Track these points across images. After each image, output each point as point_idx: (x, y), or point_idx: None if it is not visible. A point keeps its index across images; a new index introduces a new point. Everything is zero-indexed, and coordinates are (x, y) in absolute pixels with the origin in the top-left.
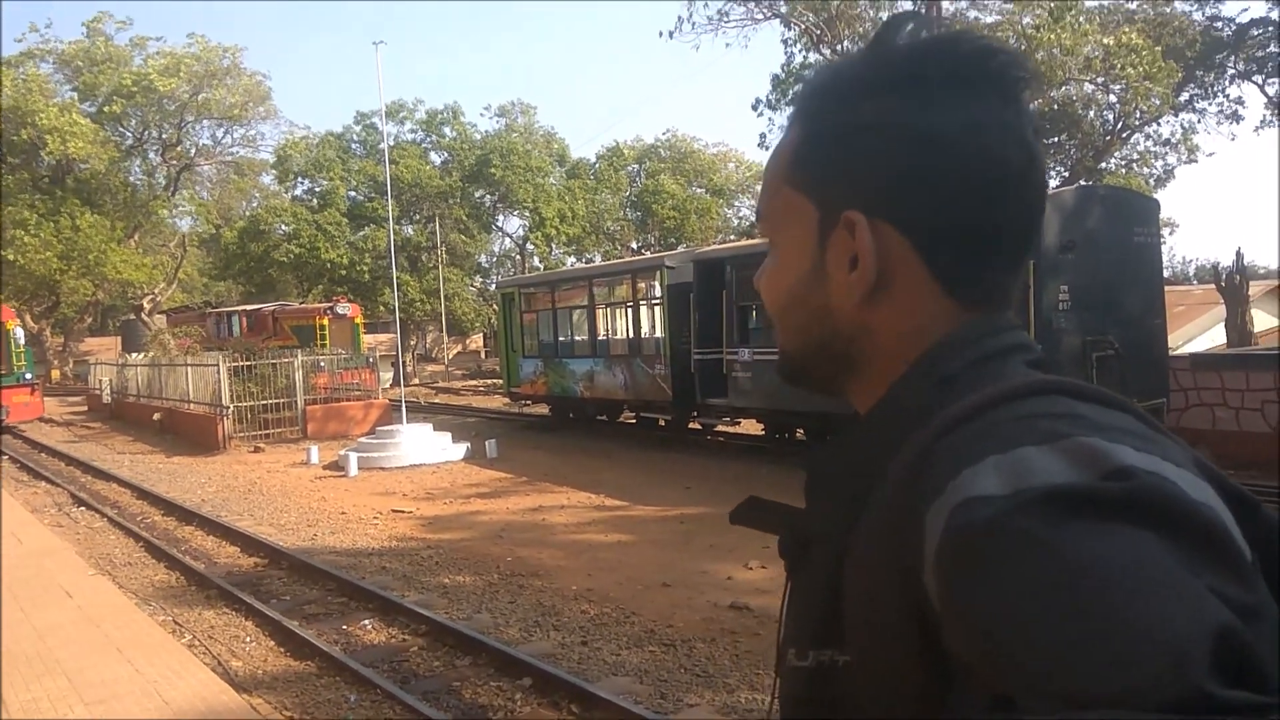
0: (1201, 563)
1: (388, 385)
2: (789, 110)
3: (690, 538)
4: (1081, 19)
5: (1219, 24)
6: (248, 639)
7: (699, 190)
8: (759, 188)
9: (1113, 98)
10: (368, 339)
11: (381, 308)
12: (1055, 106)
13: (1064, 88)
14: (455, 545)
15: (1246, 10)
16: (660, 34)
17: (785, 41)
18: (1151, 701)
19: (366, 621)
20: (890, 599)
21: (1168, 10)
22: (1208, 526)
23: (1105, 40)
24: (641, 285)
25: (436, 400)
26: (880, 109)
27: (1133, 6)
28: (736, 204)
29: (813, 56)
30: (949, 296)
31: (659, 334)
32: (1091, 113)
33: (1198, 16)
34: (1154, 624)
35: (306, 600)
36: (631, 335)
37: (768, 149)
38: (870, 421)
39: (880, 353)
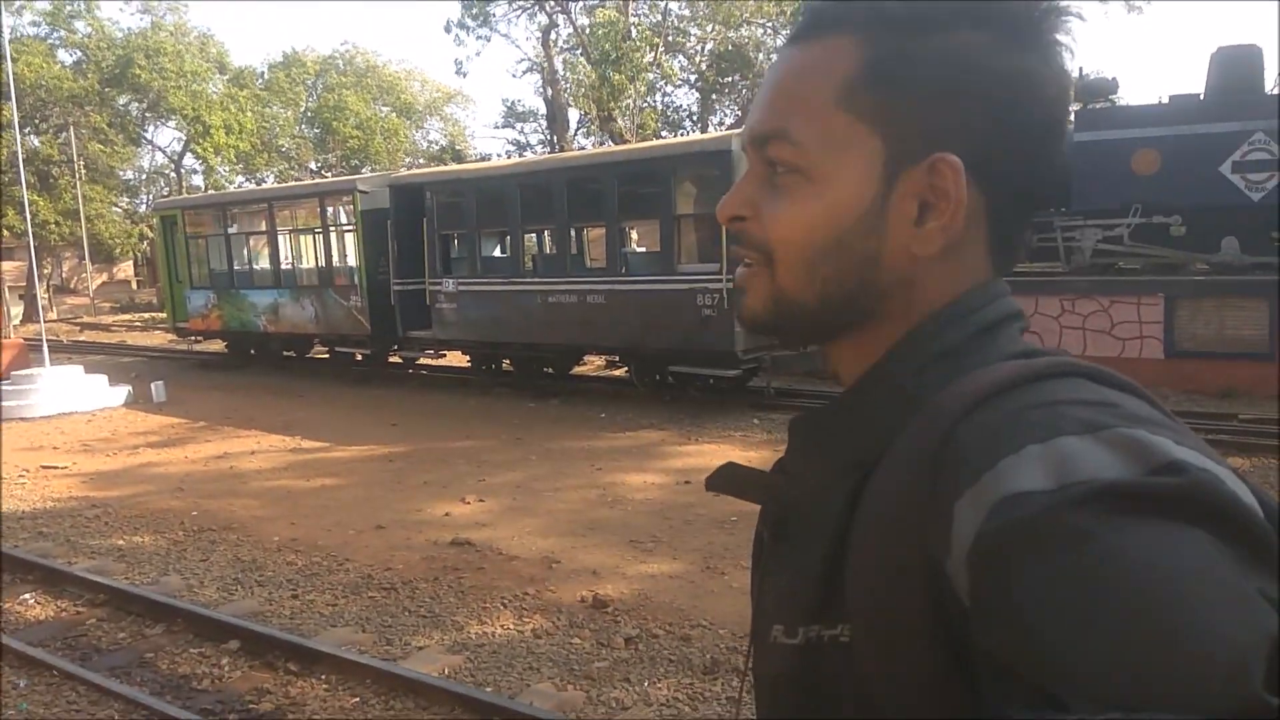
0: (1251, 564)
1: (18, 322)
2: (487, 22)
3: (401, 476)
4: None
5: None
6: None
7: (385, 110)
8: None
9: (781, 41)
10: None
11: (5, 231)
12: (731, 47)
13: (740, 29)
14: (126, 502)
15: None
16: None
17: None
18: (1208, 707)
19: (27, 595)
20: (906, 583)
21: None
22: (1256, 527)
23: None
24: (331, 209)
25: (82, 338)
26: (975, 41)
27: None
28: (426, 126)
29: None
30: (989, 257)
31: (353, 263)
32: (761, 55)
33: None
34: (1212, 628)
35: None
36: (322, 264)
37: (465, 75)
38: (865, 389)
39: (912, 308)
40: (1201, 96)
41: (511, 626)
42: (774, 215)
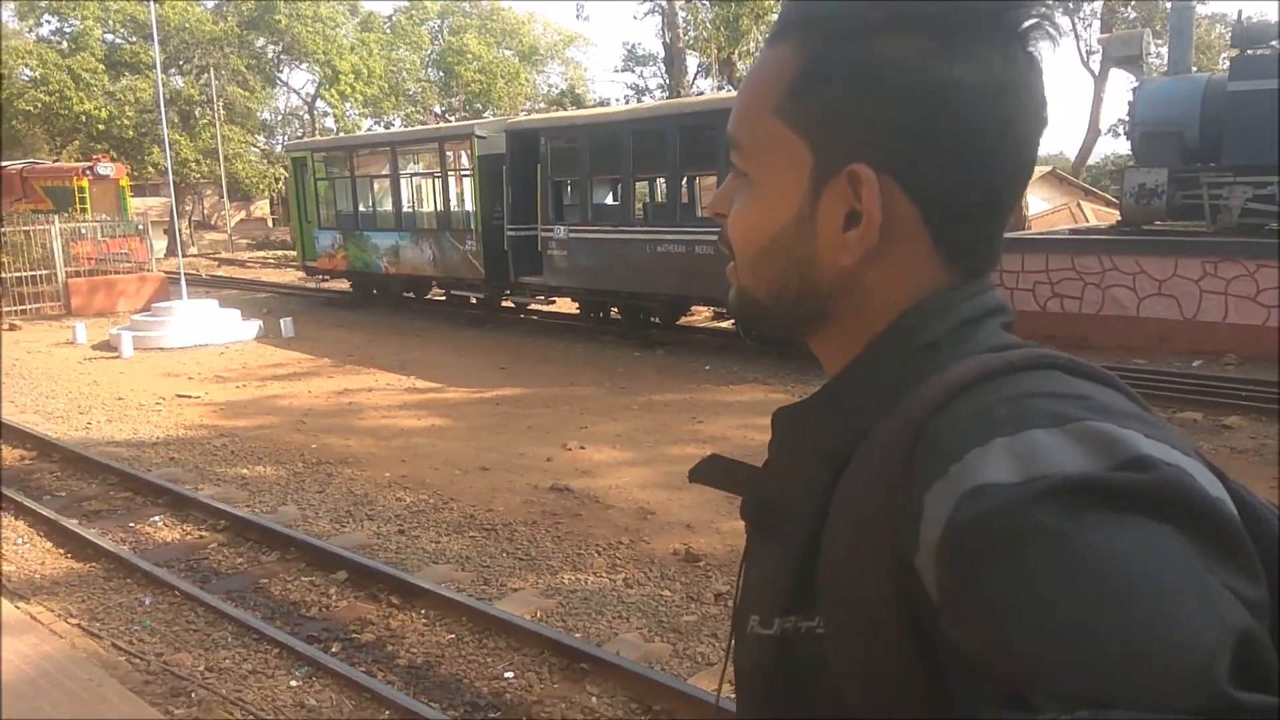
0: (1217, 559)
1: (161, 256)
2: None
3: (507, 419)
4: None
5: None
6: (19, 540)
7: (507, 53)
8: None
9: None
10: (136, 203)
11: (150, 168)
12: None
13: None
14: (252, 433)
15: None
16: None
17: None
18: (1175, 704)
19: (156, 518)
20: (876, 576)
21: None
22: (1224, 521)
23: None
24: (450, 154)
25: (220, 273)
26: (902, 50)
27: None
28: (546, 70)
29: None
30: (944, 260)
31: (470, 207)
32: None
33: None
34: (1179, 625)
35: (85, 496)
36: (440, 208)
37: (586, 19)
38: (845, 382)
39: (861, 311)
40: None
41: (604, 575)
42: (732, 216)
